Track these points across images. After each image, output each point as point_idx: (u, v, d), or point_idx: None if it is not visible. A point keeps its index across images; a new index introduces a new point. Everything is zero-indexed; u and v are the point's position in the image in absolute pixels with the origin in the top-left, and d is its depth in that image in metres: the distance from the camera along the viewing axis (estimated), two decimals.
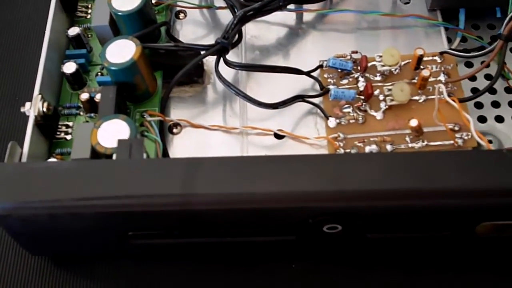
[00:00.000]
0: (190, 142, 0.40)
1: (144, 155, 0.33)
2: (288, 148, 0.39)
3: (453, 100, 0.36)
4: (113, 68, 0.36)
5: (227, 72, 0.41)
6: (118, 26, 0.40)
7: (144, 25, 0.40)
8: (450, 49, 0.43)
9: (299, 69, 0.40)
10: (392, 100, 0.39)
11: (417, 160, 0.31)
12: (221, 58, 0.39)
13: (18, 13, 0.47)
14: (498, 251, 0.36)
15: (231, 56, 0.41)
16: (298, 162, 0.32)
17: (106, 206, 0.31)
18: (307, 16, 0.44)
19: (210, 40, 0.44)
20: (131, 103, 0.39)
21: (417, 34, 0.43)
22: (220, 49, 0.39)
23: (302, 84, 0.41)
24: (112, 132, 0.34)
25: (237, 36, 0.41)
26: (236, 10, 0.41)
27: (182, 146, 0.39)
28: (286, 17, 0.44)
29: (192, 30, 0.45)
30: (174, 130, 0.40)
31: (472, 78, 0.42)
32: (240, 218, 0.32)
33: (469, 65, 0.43)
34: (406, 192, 0.31)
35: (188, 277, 0.37)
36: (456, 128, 0.38)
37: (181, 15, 0.45)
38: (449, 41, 0.44)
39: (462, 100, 0.39)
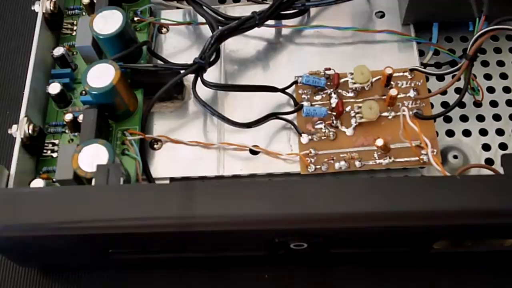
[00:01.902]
0: (170, 157, 0.42)
1: (121, 179, 0.35)
2: (262, 163, 0.41)
3: (414, 122, 0.38)
4: (93, 92, 0.38)
5: (206, 88, 0.43)
6: (100, 47, 0.42)
7: (125, 45, 0.42)
8: (422, 63, 0.44)
9: (274, 86, 0.42)
10: (361, 117, 0.41)
11: (376, 185, 0.33)
12: (198, 78, 0.41)
13: (6, 24, 0.49)
14: (455, 264, 0.39)
15: (210, 69, 0.42)
16: (261, 188, 0.34)
17: (84, 229, 0.33)
18: (285, 31, 0.46)
19: (192, 53, 0.45)
20: (113, 122, 0.41)
21: (391, 49, 0.45)
22: (198, 69, 0.41)
23: (277, 99, 0.43)
24: (92, 156, 0.36)
25: (214, 54, 0.42)
26: (214, 28, 0.43)
27: (163, 161, 0.42)
28: (264, 31, 0.45)
29: (174, 45, 0.46)
30: (155, 146, 0.42)
31: (442, 92, 0.44)
32: (211, 239, 0.35)
33: (440, 78, 0.45)
34: (362, 216, 0.33)
35: (169, 285, 0.40)
36: (423, 145, 0.40)
37: (164, 30, 0.47)
38: (422, 54, 0.45)
39: (429, 118, 0.41)
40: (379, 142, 0.39)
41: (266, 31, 0.46)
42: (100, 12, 0.41)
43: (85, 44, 0.42)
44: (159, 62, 0.44)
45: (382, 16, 0.46)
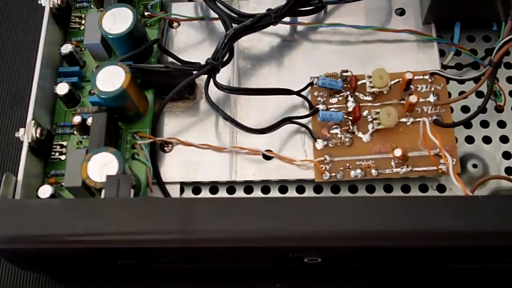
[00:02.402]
0: (181, 160, 0.41)
1: (132, 191, 0.34)
2: (276, 169, 0.40)
3: (434, 133, 0.36)
4: (103, 96, 0.37)
5: (221, 80, 0.41)
6: (110, 45, 0.41)
7: (135, 43, 0.40)
8: (443, 65, 0.43)
9: (289, 89, 0.41)
10: (379, 124, 0.40)
11: (395, 204, 0.32)
12: (211, 79, 0.40)
13: (11, 17, 0.48)
14: (473, 280, 0.38)
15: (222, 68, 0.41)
16: (276, 204, 0.33)
17: (91, 242, 0.32)
18: (300, 28, 0.44)
19: (204, 49, 0.44)
20: (123, 124, 0.40)
21: (410, 49, 0.43)
22: (210, 70, 0.40)
23: (292, 101, 0.42)
24: (101, 164, 0.35)
25: (228, 54, 0.41)
26: (227, 25, 0.41)
27: (173, 164, 0.41)
28: (279, 28, 0.44)
29: (185, 40, 0.45)
30: (166, 149, 0.41)
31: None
32: (223, 253, 0.34)
33: (461, 81, 0.43)
34: (378, 235, 0.32)
35: None
36: (443, 148, 0.39)
37: (175, 24, 0.45)
38: (443, 54, 0.44)
39: (449, 126, 0.39)
40: (397, 152, 0.38)
41: (281, 28, 0.44)
42: (109, 9, 0.39)
43: (94, 42, 0.41)
44: (170, 59, 0.43)
45: (402, 13, 0.44)
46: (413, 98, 0.39)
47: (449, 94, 0.42)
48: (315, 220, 0.32)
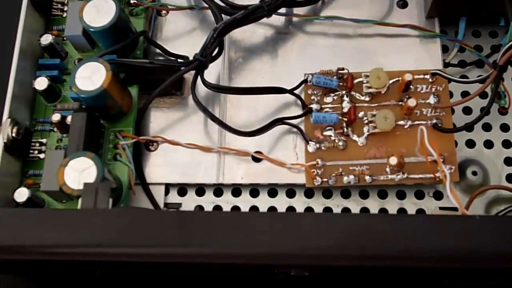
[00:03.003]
0: (166, 160, 0.39)
1: (110, 201, 0.32)
2: (265, 172, 0.38)
3: (432, 143, 0.34)
4: (82, 95, 0.35)
5: (208, 80, 0.39)
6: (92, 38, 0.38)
7: (119, 36, 0.38)
8: (445, 62, 0.40)
9: (281, 88, 0.39)
10: (375, 127, 0.37)
11: (383, 223, 0.30)
12: (198, 77, 0.38)
13: None
14: None
15: None
16: (260, 218, 0.31)
17: (65, 255, 0.31)
18: (296, 21, 0.42)
19: (193, 39, 0.42)
20: (105, 122, 0.38)
21: (412, 45, 0.41)
22: (198, 66, 0.38)
23: (284, 99, 0.40)
24: (79, 170, 0.33)
25: (217, 49, 0.39)
26: (217, 17, 0.39)
27: (158, 164, 0.39)
28: (273, 20, 0.41)
29: (174, 29, 0.42)
30: (151, 147, 0.39)
31: (465, 95, 0.40)
32: (206, 267, 0.32)
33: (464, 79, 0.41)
34: (366, 256, 0.30)
35: None
36: (440, 159, 0.37)
37: (163, 12, 0.43)
38: (446, 49, 0.41)
39: (449, 131, 0.37)
40: (393, 160, 0.36)
41: (276, 19, 0.42)
42: (90, 0, 0.37)
43: (75, 33, 0.38)
44: (158, 50, 0.41)
45: (405, 5, 0.42)
46: (411, 102, 0.37)
47: (451, 94, 0.40)
48: (297, 238, 0.30)
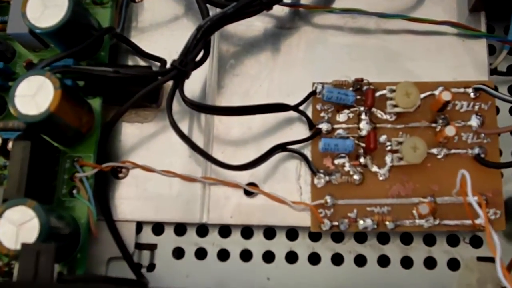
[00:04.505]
0: (138, 190, 0.31)
1: (55, 268, 0.25)
2: (260, 210, 0.31)
3: (480, 203, 0.26)
4: (23, 120, 0.27)
5: (191, 87, 0.31)
6: None
7: (76, 35, 0.30)
8: (491, 69, 0.32)
9: (283, 104, 0.30)
10: (401, 159, 0.30)
11: None
12: (177, 89, 0.30)
13: None
14: None
15: None
16: None
17: None
18: (303, 14, 0.33)
19: (176, 32, 0.33)
20: (60, 145, 0.30)
21: (450, 47, 0.32)
22: (176, 76, 0.29)
23: (285, 114, 0.31)
24: (17, 224, 0.26)
25: (202, 52, 0.30)
26: (203, 12, 0.31)
27: (128, 196, 0.31)
28: (274, 10, 0.32)
29: (151, 19, 0.34)
30: (119, 174, 0.32)
31: None
32: None
33: None
34: None
35: None
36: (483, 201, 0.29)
37: None
38: (493, 51, 0.33)
39: (496, 166, 0.29)
40: (423, 209, 0.28)
41: (278, 10, 0.33)
42: None
43: (20, 32, 0.30)
44: (129, 48, 0.32)
45: None
46: (450, 131, 0.28)
47: (497, 109, 0.31)
48: None
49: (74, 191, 0.30)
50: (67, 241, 0.28)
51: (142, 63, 0.33)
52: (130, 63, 0.33)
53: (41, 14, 0.28)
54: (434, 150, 0.30)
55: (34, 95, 0.27)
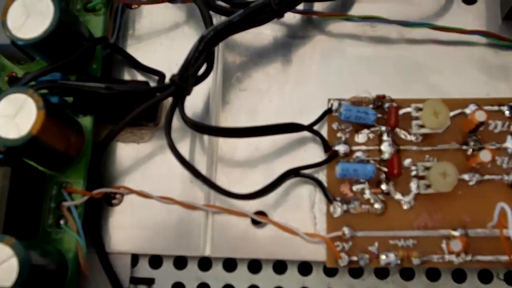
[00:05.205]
0: (133, 219, 0.28)
1: None
2: (269, 242, 0.27)
3: None
4: (3, 144, 0.24)
5: (192, 103, 0.28)
6: None
7: (64, 47, 0.26)
8: None
9: (296, 124, 0.27)
10: (428, 186, 0.26)
11: None
12: (176, 107, 0.26)
13: None
14: None
15: None
16: None
17: None
18: (317, 21, 0.30)
19: (176, 43, 0.30)
20: (46, 169, 0.27)
21: (481, 60, 0.29)
22: (175, 92, 0.26)
23: (297, 134, 0.28)
24: None
25: (205, 65, 0.27)
26: (206, 20, 0.27)
27: (123, 225, 0.28)
28: (285, 18, 0.29)
29: (149, 27, 0.31)
30: (113, 201, 0.28)
31: None
32: None
33: None
34: None
35: None
36: None
37: (134, 5, 0.31)
38: None
39: None
40: (456, 246, 0.25)
41: (289, 17, 0.30)
42: None
43: (2, 42, 0.27)
44: (124, 56, 0.29)
45: (473, 1, 0.30)
46: (485, 156, 0.25)
47: None
48: None
49: (62, 222, 0.26)
50: (53, 278, 0.25)
51: (138, 76, 0.30)
52: (125, 76, 0.30)
53: (24, 23, 0.25)
54: (466, 176, 0.27)
55: (15, 116, 0.24)
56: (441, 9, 0.29)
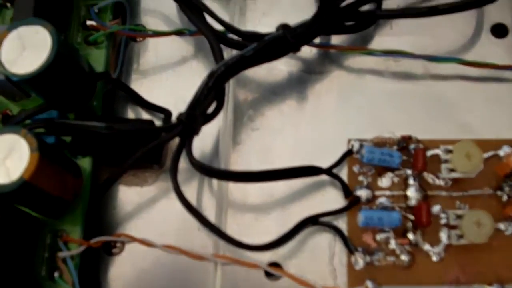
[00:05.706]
0: (134, 270, 0.26)
1: None
2: None
3: None
4: None
5: (201, 143, 0.26)
6: None
7: (62, 83, 0.24)
8: None
9: (313, 167, 0.25)
10: (460, 237, 0.24)
11: None
12: (183, 148, 0.24)
13: None
14: None
15: None
16: None
17: None
18: (335, 55, 0.28)
19: (184, 78, 0.28)
20: (40, 216, 0.25)
21: None
22: (182, 133, 0.24)
23: (315, 177, 0.26)
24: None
25: (214, 103, 0.25)
26: (216, 54, 0.25)
27: (124, 275, 0.26)
28: (301, 52, 0.27)
29: (155, 61, 0.29)
30: (113, 250, 0.26)
31: None
32: None
33: None
34: None
35: None
36: None
37: (139, 38, 0.29)
38: None
39: None
40: None
41: (305, 51, 0.28)
42: (13, 28, 0.23)
43: None
44: (127, 92, 0.27)
45: (502, 31, 0.27)
46: None
47: None
48: None
49: (56, 274, 0.24)
50: None
51: (142, 114, 0.28)
52: (128, 114, 0.28)
53: (19, 57, 0.23)
54: (501, 225, 0.24)
55: (5, 159, 0.22)
56: (468, 43, 0.27)
